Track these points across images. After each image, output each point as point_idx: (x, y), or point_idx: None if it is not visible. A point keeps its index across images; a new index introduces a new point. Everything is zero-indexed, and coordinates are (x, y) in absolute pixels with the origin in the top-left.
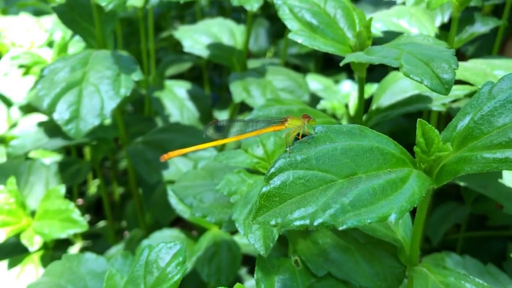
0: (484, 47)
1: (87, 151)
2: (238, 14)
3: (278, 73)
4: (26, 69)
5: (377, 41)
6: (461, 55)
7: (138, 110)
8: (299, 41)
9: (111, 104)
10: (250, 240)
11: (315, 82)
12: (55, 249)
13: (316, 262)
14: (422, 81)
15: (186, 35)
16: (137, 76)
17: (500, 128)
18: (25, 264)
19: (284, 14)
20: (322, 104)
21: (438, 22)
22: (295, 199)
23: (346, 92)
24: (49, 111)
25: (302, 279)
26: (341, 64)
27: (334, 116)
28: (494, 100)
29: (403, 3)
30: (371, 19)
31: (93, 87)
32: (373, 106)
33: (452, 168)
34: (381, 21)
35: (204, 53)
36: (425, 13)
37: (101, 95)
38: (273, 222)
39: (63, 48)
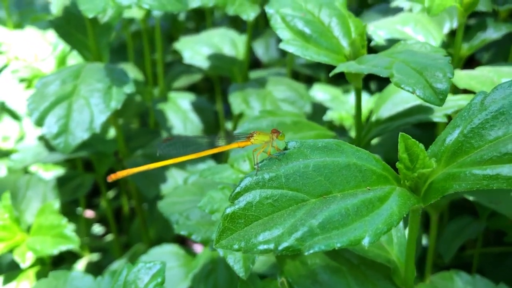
0: (500, 54)
1: None
2: None
3: (279, 83)
4: (28, 82)
5: (380, 50)
6: (476, 63)
7: (146, 123)
8: (291, 51)
9: (101, 118)
10: (229, 261)
11: (322, 92)
12: (61, 263)
13: (303, 284)
14: (414, 91)
15: (186, 46)
16: (129, 88)
17: (492, 142)
18: (20, 280)
19: (276, 23)
20: (329, 115)
21: (446, 28)
22: (262, 221)
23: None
24: (38, 125)
25: None
26: (331, 74)
27: (342, 127)
28: (485, 111)
29: (410, 10)
30: (365, 26)
31: (83, 100)
32: (373, 117)
33: (439, 186)
34: (384, 29)
35: (204, 64)
36: (432, 20)
37: (91, 109)
38: (236, 247)
39: (62, 61)
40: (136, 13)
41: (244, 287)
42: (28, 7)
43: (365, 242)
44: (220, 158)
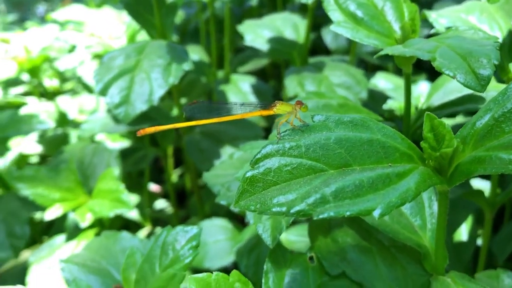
0: None
1: None
2: (321, 11)
3: (337, 68)
4: (100, 58)
5: None
6: None
7: None
8: (341, 32)
9: (159, 91)
10: (259, 229)
11: (385, 81)
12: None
13: (331, 261)
14: (455, 76)
15: (249, 29)
16: (187, 66)
17: None
18: (81, 239)
19: (329, 5)
20: (389, 104)
21: None
22: (279, 186)
23: (419, 93)
24: (101, 94)
25: (314, 276)
26: (375, 57)
27: (402, 117)
28: None
29: None
30: (416, 10)
31: (144, 74)
32: (424, 105)
33: (465, 168)
34: (447, 17)
35: (264, 47)
36: (501, 9)
37: (151, 82)
38: (252, 208)
39: (132, 38)
40: None
41: (274, 258)
42: None
43: (376, 213)
44: None
